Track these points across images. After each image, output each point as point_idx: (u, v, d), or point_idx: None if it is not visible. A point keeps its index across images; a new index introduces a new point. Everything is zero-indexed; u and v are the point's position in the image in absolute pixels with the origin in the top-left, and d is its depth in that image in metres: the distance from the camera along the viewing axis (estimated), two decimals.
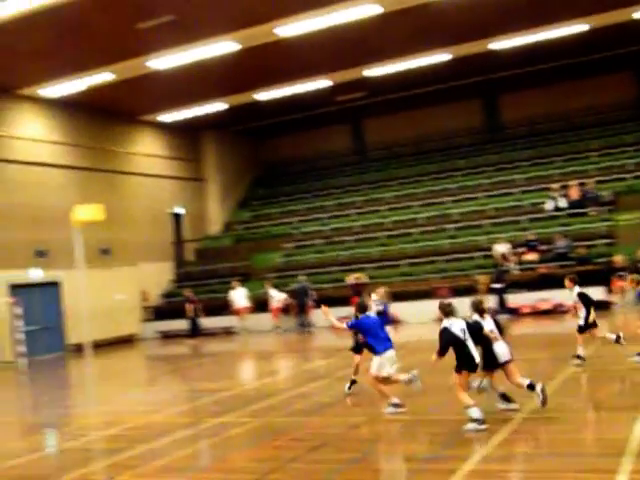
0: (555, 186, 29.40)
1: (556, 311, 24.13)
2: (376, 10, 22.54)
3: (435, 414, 11.09)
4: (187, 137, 37.29)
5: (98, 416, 13.56)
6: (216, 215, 38.63)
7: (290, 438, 10.43)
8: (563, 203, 28.74)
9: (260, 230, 36.36)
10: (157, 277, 34.11)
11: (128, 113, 33.06)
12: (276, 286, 29.41)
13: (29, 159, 28.46)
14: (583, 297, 13.78)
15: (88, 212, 14.49)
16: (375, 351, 11.33)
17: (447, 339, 10.02)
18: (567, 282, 13.97)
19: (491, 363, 10.40)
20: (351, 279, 25.85)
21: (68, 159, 30.24)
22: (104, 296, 28.38)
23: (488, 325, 10.45)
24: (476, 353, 10.06)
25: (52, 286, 28.43)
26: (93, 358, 14.51)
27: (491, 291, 24.54)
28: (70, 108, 30.09)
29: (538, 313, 24.75)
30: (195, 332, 27.08)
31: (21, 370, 24.53)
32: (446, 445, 9.18)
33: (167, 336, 31.06)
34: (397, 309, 26.68)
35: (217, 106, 32.92)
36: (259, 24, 23.10)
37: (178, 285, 34.60)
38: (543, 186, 30.50)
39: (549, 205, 29.05)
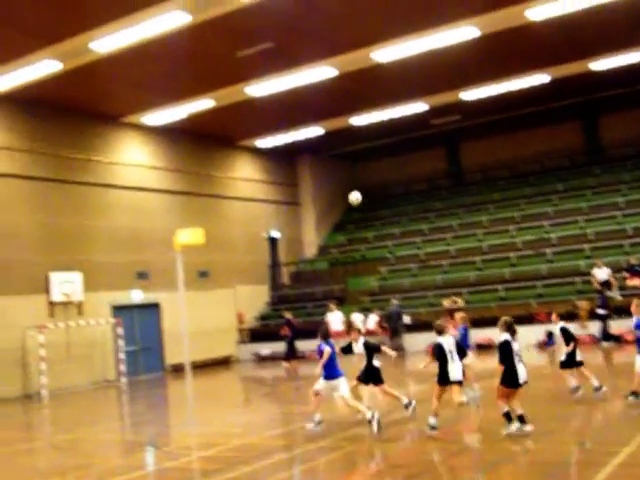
0: None
1: None
2: (473, 33, 22.42)
3: (542, 443, 10.80)
4: (283, 161, 37.81)
5: (196, 436, 13.77)
6: (312, 238, 38.94)
7: (388, 465, 10.35)
8: None
9: (355, 253, 36.43)
10: (253, 300, 34.57)
11: (227, 139, 33.80)
12: (367, 309, 29.32)
13: (132, 184, 29.44)
14: (565, 332, 14.03)
15: (189, 236, 14.79)
16: (325, 375, 12.67)
17: (507, 350, 10.95)
18: (553, 317, 13.76)
19: (512, 382, 10.96)
20: (448, 303, 25.55)
21: (169, 184, 31.12)
22: (202, 318, 28.92)
23: (516, 345, 11.06)
24: (523, 370, 10.92)
25: (152, 307, 29.21)
26: (191, 379, 14.86)
27: (594, 317, 23.83)
28: (171, 134, 31.01)
29: None
30: (291, 354, 27.22)
31: (122, 389, 25.23)
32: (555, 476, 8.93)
33: (262, 358, 31.37)
34: (494, 334, 26.30)
35: (313, 131, 33.29)
36: (356, 50, 23.31)
37: (273, 308, 34.97)
38: None
39: None
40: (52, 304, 25.59)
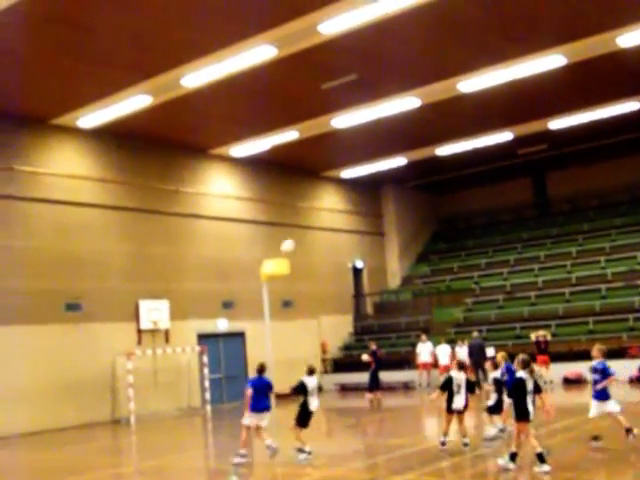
0: None
1: None
2: (559, 61, 22.13)
3: None
4: (367, 192, 37.90)
5: (280, 466, 13.78)
6: (395, 269, 38.78)
7: None
8: None
9: (439, 284, 36.08)
10: (337, 330, 34.57)
11: (311, 169, 34.13)
12: (451, 341, 28.91)
13: (218, 214, 29.97)
14: (497, 382, 14.36)
15: (275, 266, 14.97)
16: (251, 407, 13.83)
17: (521, 387, 11.39)
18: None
19: (522, 416, 11.39)
20: (536, 336, 25.00)
21: (254, 214, 31.57)
22: (286, 347, 29.04)
23: (530, 384, 11.51)
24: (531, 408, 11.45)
25: (237, 336, 29.52)
26: (275, 408, 14.85)
27: None
28: (256, 166, 31.51)
29: None
30: (375, 386, 27.07)
31: (207, 416, 25.50)
32: None
33: (345, 388, 31.26)
34: (583, 368, 25.58)
35: (397, 161, 33.28)
36: (440, 80, 23.30)
37: (357, 338, 34.88)
38: None
39: None
40: (140, 331, 26.17)
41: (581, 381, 25.50)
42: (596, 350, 13.14)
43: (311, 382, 14.19)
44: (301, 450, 13.85)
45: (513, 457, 11.37)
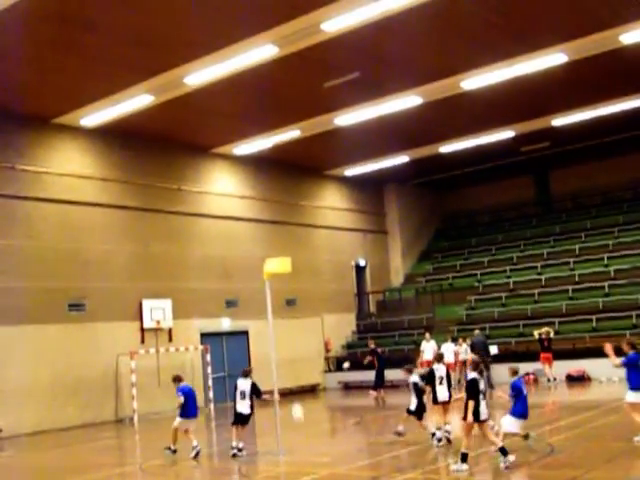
0: None
1: None
2: (561, 59, 22.09)
3: None
4: (370, 190, 37.88)
5: (285, 465, 13.79)
6: (398, 267, 38.79)
7: None
8: None
9: (442, 282, 36.05)
10: (339, 328, 34.57)
11: (313, 168, 34.11)
12: (455, 339, 28.86)
13: (221, 213, 29.97)
14: (415, 386, 14.74)
15: (277, 264, 14.94)
16: (181, 413, 15.54)
17: (475, 388, 11.66)
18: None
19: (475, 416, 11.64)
20: (539, 333, 24.93)
21: (257, 213, 31.56)
22: (289, 346, 29.05)
23: (482, 384, 11.85)
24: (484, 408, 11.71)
25: (240, 335, 29.53)
26: (278, 406, 14.92)
27: None
28: (259, 164, 31.49)
29: None
30: (380, 384, 27.05)
31: (210, 415, 25.50)
32: None
33: (348, 387, 31.26)
34: (587, 366, 25.62)
35: (400, 159, 33.26)
36: (443, 78, 23.27)
37: (360, 336, 34.88)
38: None
39: None
40: (143, 330, 26.18)
41: (584, 378, 25.49)
42: (625, 345, 13.02)
43: (242, 384, 15.49)
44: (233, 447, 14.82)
45: (464, 458, 11.48)
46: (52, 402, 23.35)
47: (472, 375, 11.96)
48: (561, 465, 11.64)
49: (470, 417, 11.60)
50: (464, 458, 11.43)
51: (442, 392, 14.58)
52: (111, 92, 22.19)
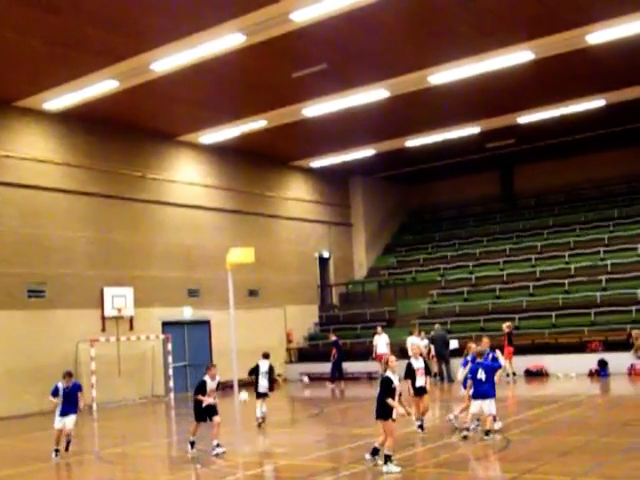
0: None
1: None
2: (528, 57, 22.25)
3: None
4: (336, 182, 37.91)
5: (243, 455, 13.76)
6: (362, 260, 38.90)
7: None
8: None
9: (406, 276, 36.20)
10: (302, 320, 34.59)
11: (280, 158, 34.03)
12: (411, 333, 28.93)
13: (185, 202, 29.78)
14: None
15: (240, 255, 14.86)
16: (61, 412, 15.01)
17: (388, 389, 11.58)
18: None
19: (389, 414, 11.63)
20: (507, 327, 25.02)
21: (222, 202, 31.41)
22: (251, 336, 28.92)
23: (396, 380, 11.79)
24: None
25: (202, 324, 29.42)
26: (238, 397, 14.93)
27: None
28: (225, 153, 31.34)
29: None
30: (338, 375, 27.15)
31: (170, 404, 25.39)
32: None
33: (310, 378, 31.29)
34: (545, 361, 25.93)
35: (366, 152, 33.31)
36: (411, 72, 23.33)
37: (322, 328, 34.92)
38: None
39: None
40: (104, 318, 25.95)
41: (542, 374, 25.79)
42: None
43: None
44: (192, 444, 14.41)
45: (375, 452, 11.71)
46: (10, 389, 23.07)
47: (388, 374, 11.83)
48: (517, 458, 11.76)
49: (395, 414, 11.66)
50: (388, 459, 11.33)
51: (419, 382, 14.62)
52: (75, 76, 21.88)
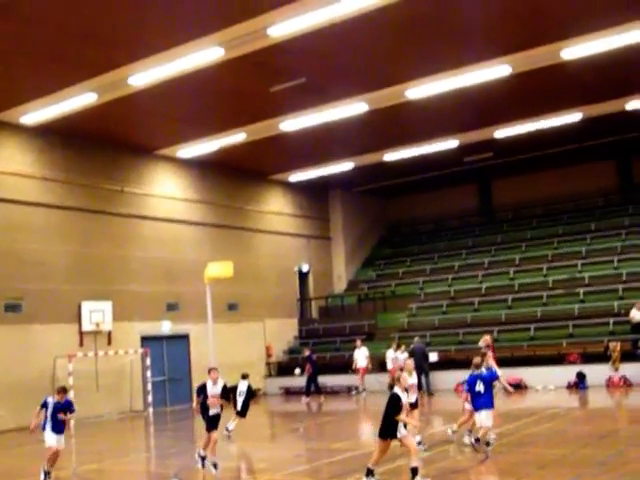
0: None
1: None
2: (505, 71, 22.45)
3: None
4: (315, 196, 37.95)
5: (222, 471, 13.68)
6: (341, 273, 38.92)
7: None
8: None
9: (385, 289, 36.24)
10: (281, 333, 34.52)
11: (259, 172, 34.01)
12: (398, 346, 28.96)
13: (164, 216, 29.69)
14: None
15: (219, 269, 14.87)
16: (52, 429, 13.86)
17: (397, 407, 11.15)
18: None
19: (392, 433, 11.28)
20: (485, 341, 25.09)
21: (200, 216, 31.34)
22: (230, 350, 28.84)
23: (404, 397, 11.56)
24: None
25: (181, 339, 29.27)
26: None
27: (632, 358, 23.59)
28: (204, 167, 31.31)
29: None
30: (314, 389, 27.07)
31: (149, 420, 25.21)
32: None
33: (289, 392, 31.22)
34: (524, 374, 26.01)
35: (345, 166, 33.38)
36: (389, 86, 23.44)
37: (302, 342, 34.87)
38: None
39: None
40: (82, 333, 25.76)
41: (521, 386, 25.88)
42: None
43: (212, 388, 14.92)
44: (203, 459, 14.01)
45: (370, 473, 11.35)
46: None
47: (395, 390, 11.51)
48: (496, 471, 11.80)
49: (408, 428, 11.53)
50: (370, 473, 11.23)
51: (411, 398, 14.26)
52: (53, 89, 21.77)
